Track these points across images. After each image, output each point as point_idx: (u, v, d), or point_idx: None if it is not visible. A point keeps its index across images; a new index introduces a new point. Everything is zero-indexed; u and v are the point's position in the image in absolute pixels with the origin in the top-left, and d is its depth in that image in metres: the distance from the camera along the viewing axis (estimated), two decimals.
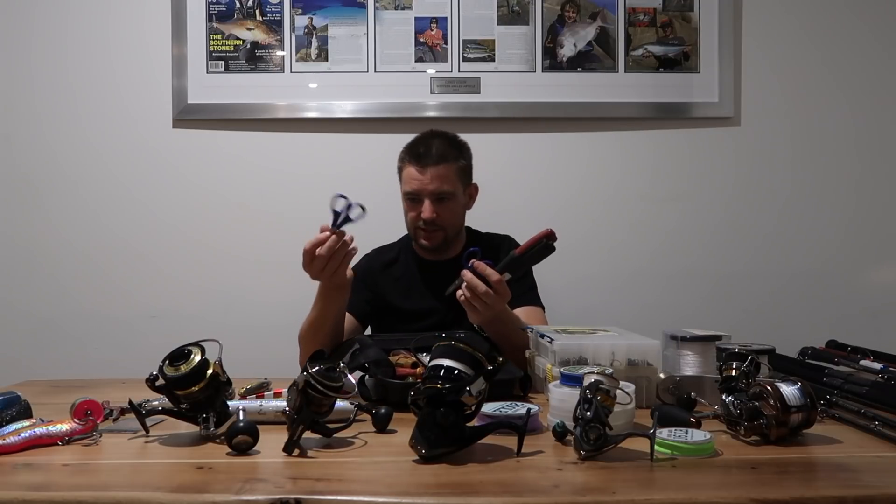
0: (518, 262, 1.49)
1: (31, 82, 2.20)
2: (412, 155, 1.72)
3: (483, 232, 1.87)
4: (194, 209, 2.21)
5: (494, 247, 1.77)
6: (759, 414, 1.04)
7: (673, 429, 1.02)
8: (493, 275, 1.45)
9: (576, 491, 0.88)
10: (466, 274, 1.47)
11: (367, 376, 1.32)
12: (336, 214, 1.41)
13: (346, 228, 1.42)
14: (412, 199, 1.73)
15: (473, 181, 1.80)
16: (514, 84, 2.19)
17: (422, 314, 1.76)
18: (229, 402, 1.13)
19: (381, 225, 1.98)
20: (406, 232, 1.83)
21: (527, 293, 1.74)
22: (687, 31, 2.21)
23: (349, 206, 1.40)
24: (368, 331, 1.81)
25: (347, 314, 1.66)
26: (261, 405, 1.18)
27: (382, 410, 1.13)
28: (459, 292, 1.48)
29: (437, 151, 1.70)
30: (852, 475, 0.94)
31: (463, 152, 1.76)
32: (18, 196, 2.21)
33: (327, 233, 1.41)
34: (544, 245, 1.47)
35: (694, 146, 2.24)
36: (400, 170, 1.77)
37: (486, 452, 0.99)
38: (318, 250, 1.41)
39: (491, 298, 1.45)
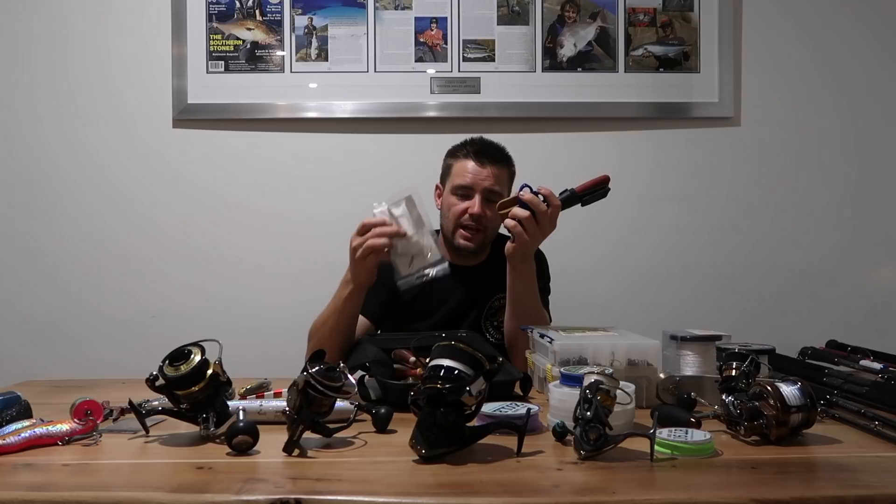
0: (575, 198, 1.52)
1: (31, 82, 2.20)
2: (469, 150, 1.73)
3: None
4: (194, 209, 2.21)
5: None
6: (759, 414, 1.04)
7: (673, 429, 1.02)
8: (556, 200, 1.48)
9: (576, 491, 0.88)
10: (526, 195, 1.47)
11: (367, 376, 1.32)
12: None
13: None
14: (462, 194, 1.72)
15: None
16: (514, 84, 2.19)
17: (434, 314, 1.75)
18: (229, 402, 1.13)
19: None
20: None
21: (540, 295, 1.71)
22: (687, 31, 2.21)
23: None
24: None
25: (361, 317, 1.64)
26: (261, 405, 1.18)
27: (382, 410, 1.13)
28: (510, 220, 1.49)
29: (495, 152, 1.74)
30: (852, 475, 0.94)
31: (512, 161, 1.78)
32: (18, 196, 2.21)
33: (389, 222, 1.45)
34: (604, 189, 1.52)
35: (694, 146, 2.24)
36: (449, 166, 1.76)
37: (486, 452, 0.99)
38: (375, 229, 1.44)
39: (546, 220, 1.47)
